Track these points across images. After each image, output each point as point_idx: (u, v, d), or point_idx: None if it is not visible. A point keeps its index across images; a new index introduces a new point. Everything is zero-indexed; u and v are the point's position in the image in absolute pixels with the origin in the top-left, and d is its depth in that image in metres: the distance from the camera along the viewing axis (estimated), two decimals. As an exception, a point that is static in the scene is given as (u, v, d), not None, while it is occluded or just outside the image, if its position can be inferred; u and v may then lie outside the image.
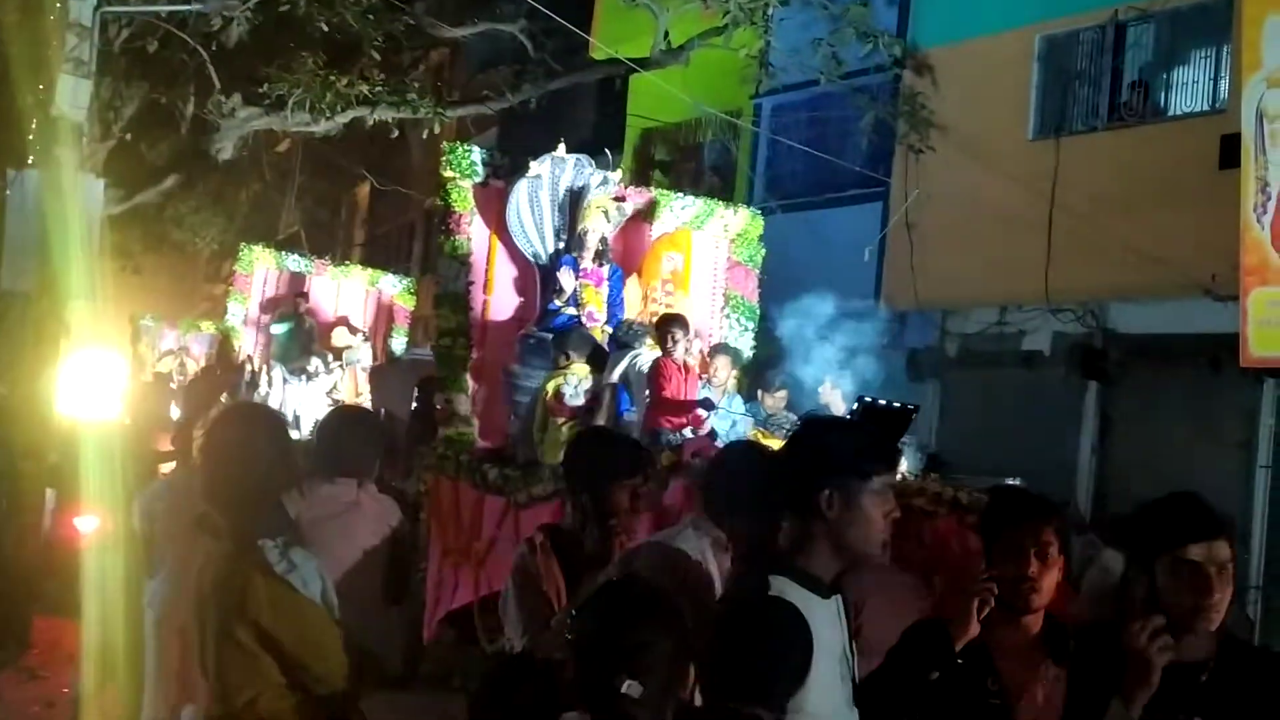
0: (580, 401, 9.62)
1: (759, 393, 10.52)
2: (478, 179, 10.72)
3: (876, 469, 3.39)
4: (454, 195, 10.62)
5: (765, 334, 12.13)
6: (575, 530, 4.40)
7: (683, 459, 7.52)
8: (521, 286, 10.97)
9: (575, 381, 9.70)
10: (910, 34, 16.59)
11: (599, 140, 21.71)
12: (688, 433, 9.07)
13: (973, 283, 15.66)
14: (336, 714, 3.83)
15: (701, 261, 11.50)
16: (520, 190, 10.73)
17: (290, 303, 17.05)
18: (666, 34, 16.33)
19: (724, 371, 9.95)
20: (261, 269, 17.56)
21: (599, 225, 10.65)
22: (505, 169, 10.87)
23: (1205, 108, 13.99)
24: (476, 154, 10.85)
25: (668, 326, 9.46)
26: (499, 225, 10.86)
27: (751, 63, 15.63)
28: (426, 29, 16.55)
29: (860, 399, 8.99)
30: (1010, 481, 8.41)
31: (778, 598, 3.23)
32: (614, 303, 10.63)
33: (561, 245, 10.78)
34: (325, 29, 15.09)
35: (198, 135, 17.26)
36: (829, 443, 3.47)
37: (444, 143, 11.31)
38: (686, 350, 9.45)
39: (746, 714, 3.05)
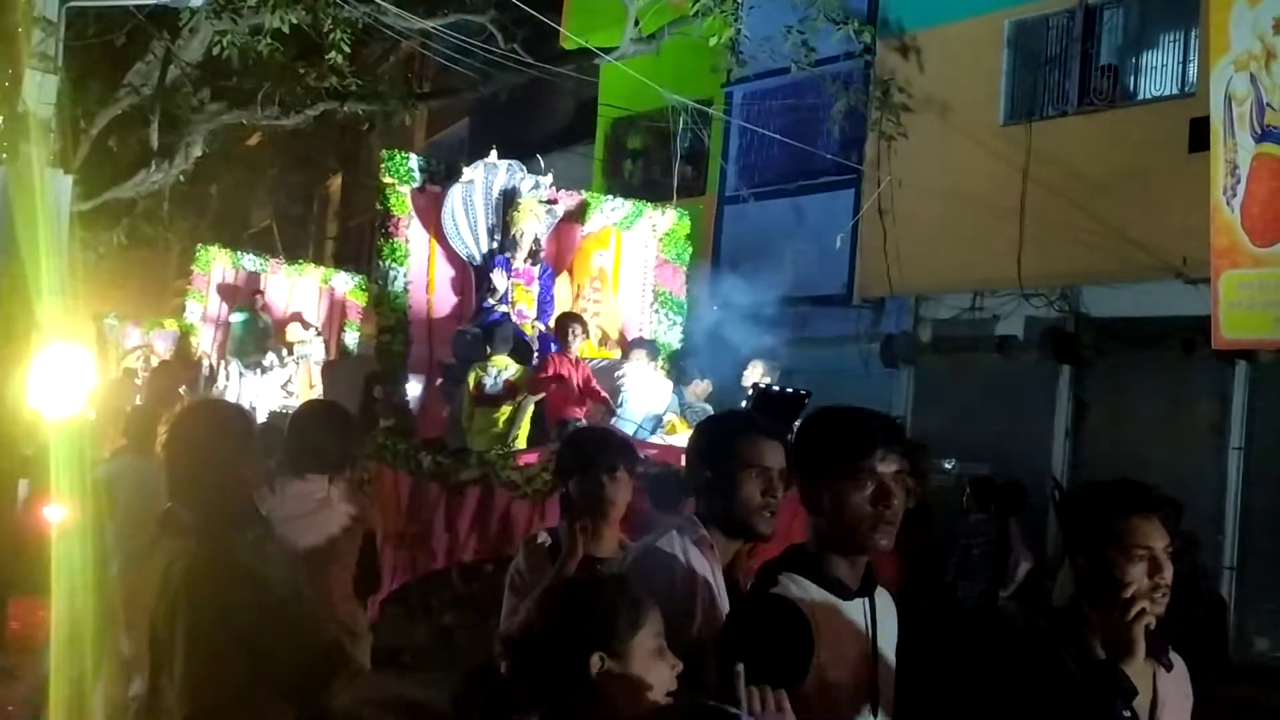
0: (499, 391, 10.27)
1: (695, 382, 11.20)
2: (415, 184, 11.32)
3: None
4: (392, 200, 11.19)
5: (753, 322, 12.50)
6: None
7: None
8: (459, 286, 11.54)
9: (495, 373, 10.35)
10: (881, 19, 16.60)
11: (570, 130, 21.74)
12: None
13: (946, 268, 15.69)
14: (308, 709, 3.81)
15: (631, 259, 12.08)
16: (454, 195, 11.34)
17: (248, 298, 17.60)
18: (637, 23, 16.29)
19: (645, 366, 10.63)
20: (218, 268, 18.10)
21: (530, 227, 11.30)
22: (441, 174, 11.51)
23: (1174, 91, 14.03)
24: (414, 160, 11.52)
25: (567, 324, 10.32)
26: (436, 228, 11.44)
27: (722, 51, 15.60)
28: (393, 22, 16.47)
29: (755, 386, 10.02)
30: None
31: (778, 595, 3.21)
32: (544, 300, 11.30)
33: (495, 246, 11.38)
34: (294, 22, 15.00)
35: (165, 131, 17.16)
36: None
37: (382, 150, 11.93)
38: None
39: (726, 712, 3.02)
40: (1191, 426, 13.34)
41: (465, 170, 11.51)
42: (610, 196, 12.72)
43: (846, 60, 16.21)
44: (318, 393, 14.73)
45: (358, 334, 17.95)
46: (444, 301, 11.60)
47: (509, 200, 11.45)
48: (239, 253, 18.96)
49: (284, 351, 16.38)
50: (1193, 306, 12.65)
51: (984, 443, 14.53)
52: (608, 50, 16.53)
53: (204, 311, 17.97)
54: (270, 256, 19.25)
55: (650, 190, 19.91)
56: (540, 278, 11.40)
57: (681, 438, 9.25)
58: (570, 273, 11.95)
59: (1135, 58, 14.76)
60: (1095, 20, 14.86)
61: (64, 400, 8.14)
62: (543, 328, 11.15)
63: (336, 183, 34.63)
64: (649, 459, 8.17)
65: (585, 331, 10.47)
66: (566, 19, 19.36)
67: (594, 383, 10.18)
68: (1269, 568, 12.53)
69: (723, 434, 3.68)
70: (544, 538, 4.34)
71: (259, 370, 16.16)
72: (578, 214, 12.01)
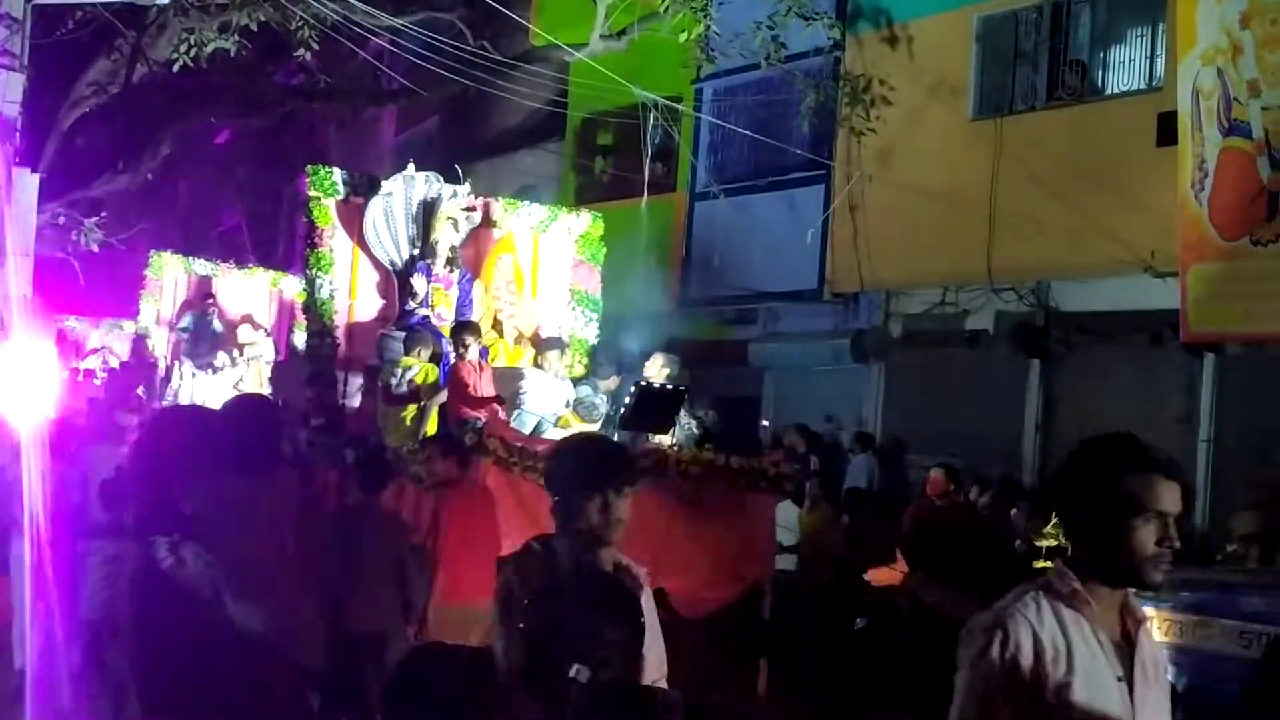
0: (404, 390, 11.06)
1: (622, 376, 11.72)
2: (339, 197, 12.31)
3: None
4: (316, 212, 12.21)
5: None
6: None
7: (483, 438, 9.15)
8: (383, 290, 12.43)
9: (400, 374, 11.14)
10: (850, 15, 16.62)
11: (540, 127, 21.69)
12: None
13: (916, 263, 15.73)
14: (245, 710, 3.79)
15: (549, 261, 12.95)
16: (375, 207, 12.25)
17: (200, 304, 18.26)
18: (607, 19, 16.26)
19: (555, 362, 11.39)
20: (172, 273, 18.76)
21: (449, 235, 12.17)
22: (363, 187, 12.46)
23: (1142, 86, 14.10)
24: (337, 174, 12.53)
25: (460, 334, 10.92)
26: (360, 237, 12.37)
27: (692, 47, 15.58)
28: (361, 20, 16.40)
29: (637, 383, 10.64)
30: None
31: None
32: (462, 303, 12.13)
33: (416, 253, 12.25)
34: (262, 20, 14.93)
35: (133, 130, 17.07)
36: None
37: (308, 165, 12.98)
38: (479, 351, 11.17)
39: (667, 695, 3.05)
40: (1161, 419, 13.40)
41: (384, 183, 12.39)
42: (526, 202, 13.65)
43: (816, 56, 16.21)
44: (268, 392, 15.15)
45: (305, 335, 18.12)
46: (368, 306, 12.45)
47: (429, 210, 12.22)
48: (191, 258, 19.51)
49: (235, 352, 16.92)
50: (1161, 300, 12.71)
51: (955, 436, 14.58)
52: (577, 47, 16.49)
53: (158, 314, 18.52)
54: (223, 260, 19.92)
55: (620, 187, 19.93)
56: (459, 282, 12.18)
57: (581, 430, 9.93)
58: (486, 276, 12.65)
59: (1103, 52, 14.82)
60: (1063, 15, 14.91)
61: (30, 402, 8.07)
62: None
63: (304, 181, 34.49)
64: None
65: (479, 339, 11.18)
66: (536, 15, 19.30)
67: (491, 386, 10.82)
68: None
69: (1109, 469, 3.20)
70: (537, 547, 4.25)
71: (211, 370, 16.64)
72: (494, 220, 12.77)
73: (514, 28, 16.73)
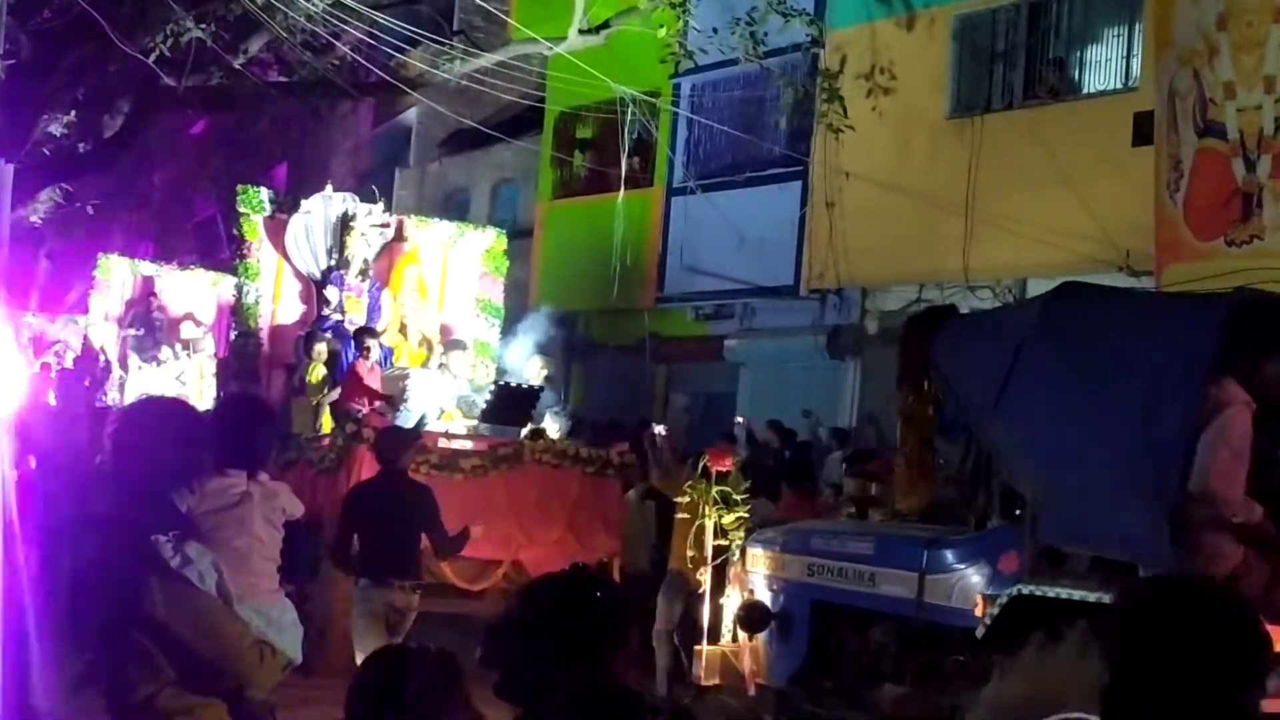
0: (296, 385, 12.86)
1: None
2: (266, 213, 13.98)
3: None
4: (245, 227, 13.95)
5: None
6: None
7: (360, 428, 10.81)
8: (304, 297, 14.02)
9: (300, 370, 12.96)
10: (828, 12, 16.63)
11: (518, 121, 21.65)
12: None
13: (893, 260, 15.76)
14: (238, 707, 3.80)
15: (457, 273, 14.52)
16: (295, 223, 13.86)
17: (144, 302, 19.37)
18: (585, 13, 16.24)
19: (457, 364, 13.09)
20: (119, 274, 19.81)
21: (361, 249, 13.77)
22: (288, 205, 14.18)
23: (1119, 85, 14.15)
24: (264, 193, 14.36)
25: (361, 337, 12.56)
26: (284, 249, 13.94)
27: (671, 42, 15.58)
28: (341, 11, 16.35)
29: (495, 381, 12.35)
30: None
31: None
32: (372, 310, 13.74)
33: (333, 264, 13.81)
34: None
35: (98, 114, 17.03)
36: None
37: (237, 185, 14.76)
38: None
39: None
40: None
41: (304, 203, 14.04)
42: (435, 219, 15.67)
43: (794, 53, 16.23)
44: (209, 385, 16.59)
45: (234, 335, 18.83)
46: (290, 311, 14.08)
47: (345, 225, 13.79)
48: (135, 260, 20.77)
49: (178, 347, 18.24)
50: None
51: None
52: (555, 41, 16.48)
53: (105, 312, 19.59)
54: (166, 261, 21.54)
55: (598, 182, 19.93)
56: (369, 290, 13.76)
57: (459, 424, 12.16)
58: (395, 285, 14.19)
59: (1080, 52, 14.87)
60: (1041, 14, 14.96)
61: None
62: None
63: (283, 173, 34.38)
64: (435, 446, 10.87)
65: (378, 341, 12.82)
66: (515, 9, 19.29)
67: (378, 384, 12.42)
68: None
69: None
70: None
71: (156, 364, 17.99)
72: (405, 235, 14.39)
73: (493, 21, 16.71)
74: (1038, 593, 6.00)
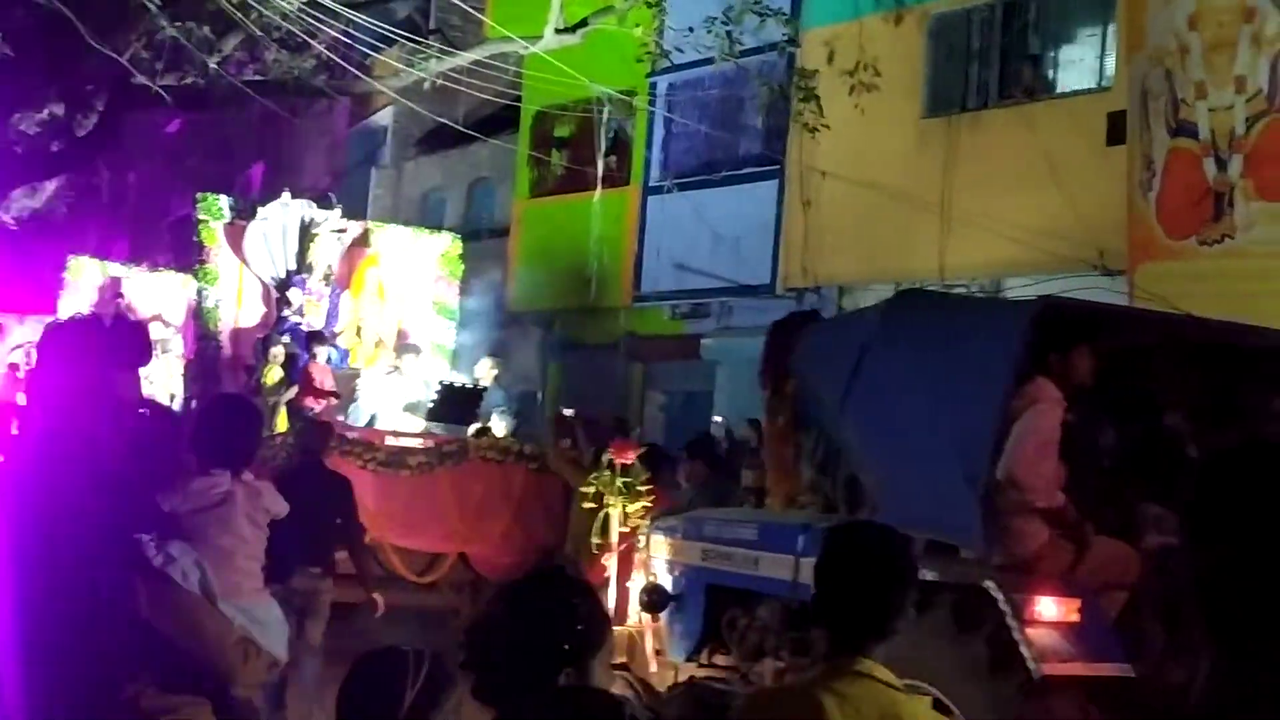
0: (254, 387, 13.32)
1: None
2: (226, 220, 14.51)
3: None
4: (204, 234, 14.46)
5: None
6: None
7: (326, 425, 10.76)
8: (265, 300, 14.46)
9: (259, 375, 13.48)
10: (804, 11, 16.65)
11: (495, 120, 21.62)
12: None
13: (869, 259, 15.79)
14: (223, 706, 3.79)
15: (413, 276, 14.98)
16: (254, 230, 14.36)
17: (113, 303, 19.14)
18: (561, 12, 16.22)
19: (409, 366, 13.57)
20: (88, 275, 20.01)
21: (321, 254, 14.22)
22: (248, 211, 14.66)
23: (1093, 85, 14.21)
24: (224, 200, 14.83)
25: (310, 342, 13.23)
26: (243, 255, 14.46)
27: (647, 41, 15.58)
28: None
29: (440, 381, 12.84)
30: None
31: None
32: (331, 313, 14.28)
33: (293, 268, 14.21)
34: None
35: (72, 113, 16.96)
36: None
37: (196, 193, 15.28)
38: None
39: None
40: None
41: (261, 210, 14.56)
42: (394, 224, 16.43)
43: (770, 52, 16.23)
44: (178, 384, 16.95)
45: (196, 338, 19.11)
46: (251, 314, 14.56)
47: (305, 231, 14.25)
48: (105, 261, 21.02)
49: None
50: (1110, 298, 12.77)
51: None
52: (531, 40, 16.46)
53: (74, 312, 19.41)
54: (136, 263, 21.75)
55: (575, 180, 19.92)
56: (329, 294, 14.29)
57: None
58: (354, 289, 14.72)
59: (1055, 52, 14.93)
60: (1015, 14, 15.00)
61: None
62: (328, 335, 14.00)
63: (258, 172, 34.28)
64: (382, 444, 11.57)
65: (325, 344, 13.41)
66: (491, 8, 19.25)
67: (328, 385, 13.04)
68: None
69: None
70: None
71: None
72: (364, 239, 14.90)
73: (469, 19, 16.68)
74: None
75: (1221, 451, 2.30)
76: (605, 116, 17.32)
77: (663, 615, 8.34)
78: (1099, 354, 6.55)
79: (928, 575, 6.11)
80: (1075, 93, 14.45)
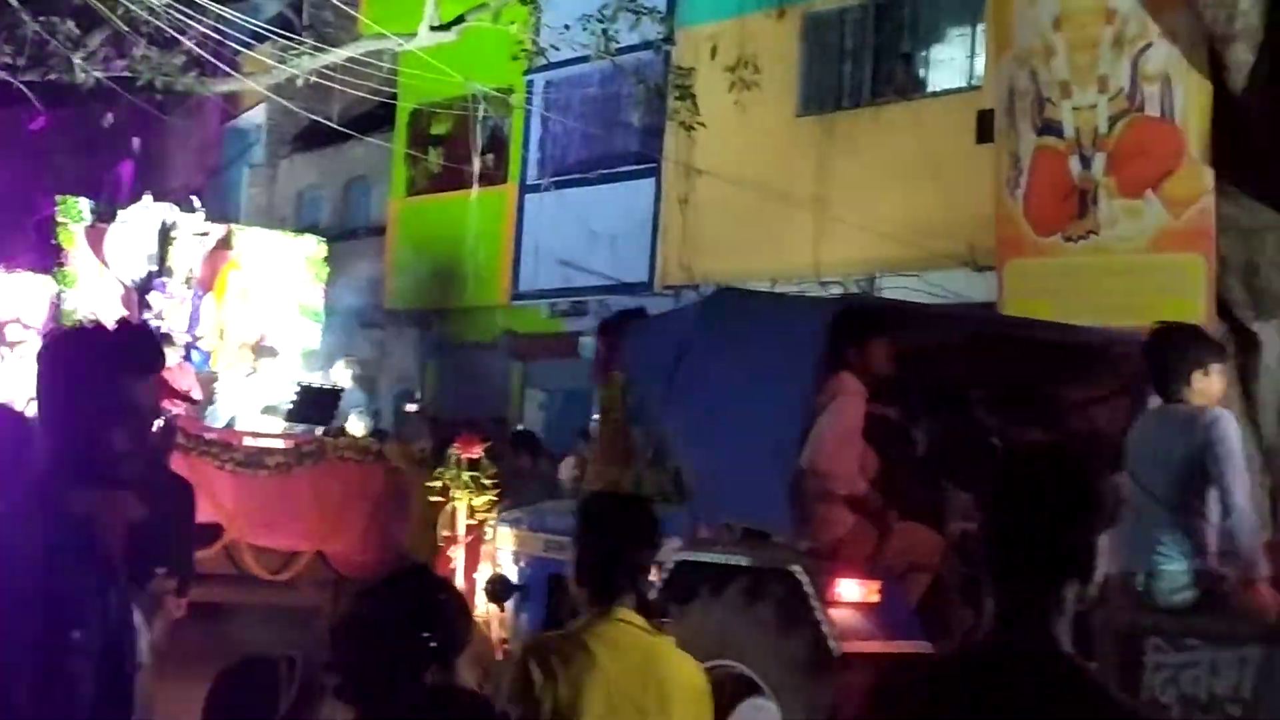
0: None
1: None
2: (86, 223, 14.53)
3: None
4: (63, 236, 14.54)
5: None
6: None
7: (171, 429, 11.31)
8: (126, 304, 14.31)
9: None
10: (680, 9, 16.71)
11: (371, 117, 21.42)
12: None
13: (745, 257, 15.87)
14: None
15: (279, 279, 15.09)
16: (114, 232, 14.42)
17: None
18: (436, 9, 16.11)
19: (268, 369, 13.79)
20: None
21: (184, 257, 14.35)
22: (108, 214, 14.71)
23: (963, 84, 14.45)
24: (84, 203, 14.87)
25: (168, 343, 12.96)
26: (104, 258, 14.47)
27: (523, 39, 15.54)
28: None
29: (299, 383, 13.12)
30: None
31: None
32: (193, 316, 14.32)
33: (154, 270, 14.30)
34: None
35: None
36: None
37: (56, 196, 15.33)
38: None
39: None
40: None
41: (121, 213, 14.66)
42: (261, 226, 16.55)
43: (646, 50, 16.28)
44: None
45: None
46: (111, 318, 13.80)
47: (166, 234, 14.30)
48: None
49: (5, 349, 18.13)
50: (982, 293, 13.02)
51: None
52: (406, 37, 16.32)
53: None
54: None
55: (452, 179, 19.80)
56: (191, 298, 14.34)
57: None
58: (217, 292, 14.69)
59: (926, 51, 15.16)
60: (888, 14, 15.20)
61: None
62: (189, 338, 14.10)
63: (128, 169, 33.55)
64: (240, 445, 11.83)
65: (174, 346, 13.14)
66: (364, 4, 19.07)
67: (183, 387, 13.02)
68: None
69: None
70: None
71: None
72: (226, 241, 14.92)
73: (344, 16, 16.50)
74: (697, 559, 6.97)
75: (1022, 448, 2.77)
76: (481, 114, 17.21)
77: (508, 605, 8.59)
78: (911, 350, 6.99)
79: (741, 560, 6.79)
80: (946, 92, 14.68)
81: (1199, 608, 5.53)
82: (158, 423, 11.92)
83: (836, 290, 15.23)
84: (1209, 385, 5.72)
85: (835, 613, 6.25)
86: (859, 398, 6.68)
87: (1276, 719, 5.21)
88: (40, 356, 2.90)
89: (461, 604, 3.30)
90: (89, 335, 2.96)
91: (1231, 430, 5.59)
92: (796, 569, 6.42)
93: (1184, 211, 9.77)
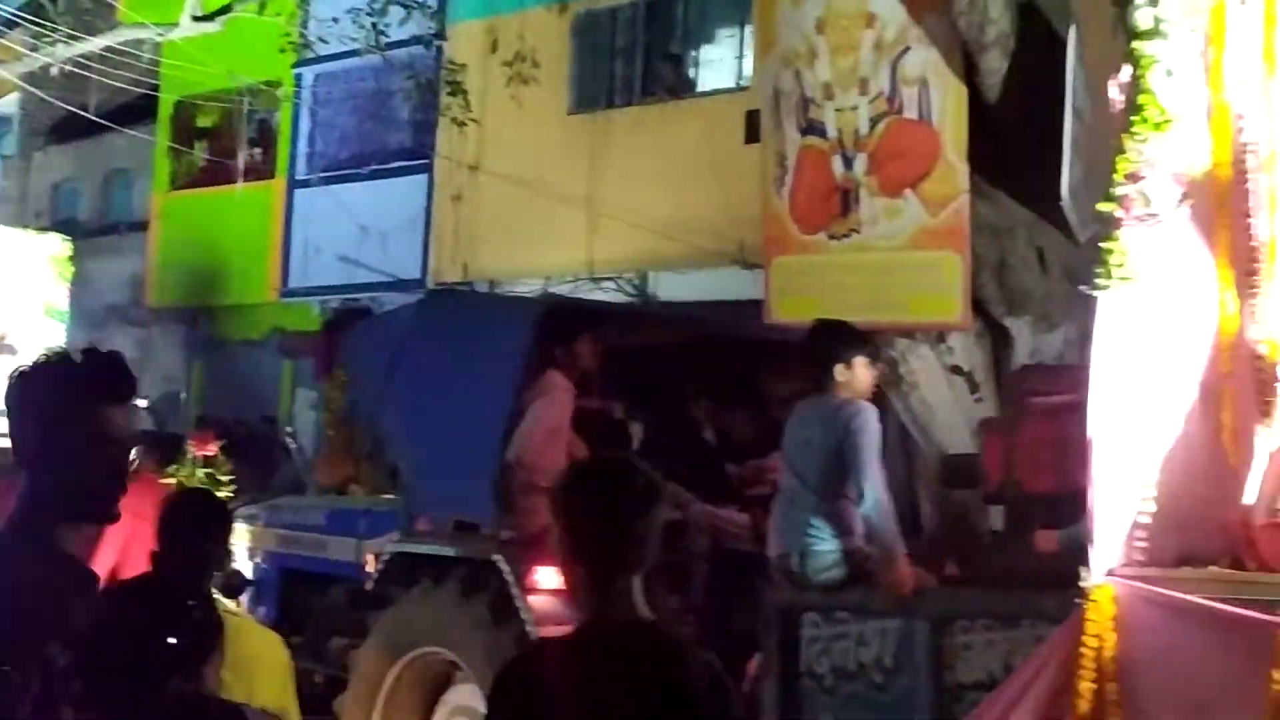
0: None
1: None
2: None
3: None
4: None
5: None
6: None
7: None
8: None
9: None
10: (453, 4, 16.60)
11: (132, 109, 20.72)
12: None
13: (519, 254, 15.87)
14: None
15: (20, 278, 14.97)
16: None
17: None
18: (199, -2, 15.68)
19: (6, 367, 14.23)
20: None
21: None
22: None
23: (732, 85, 14.68)
24: None
25: None
26: None
27: (290, 30, 15.22)
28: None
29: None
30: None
31: None
32: None
33: None
34: None
35: None
36: None
37: None
38: None
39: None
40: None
41: None
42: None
43: (417, 45, 16.12)
44: None
45: None
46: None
47: None
48: None
49: None
50: (751, 290, 13.23)
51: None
52: (168, 27, 15.83)
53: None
54: None
55: (218, 173, 19.30)
56: None
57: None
58: None
59: (696, 51, 15.35)
60: (657, 14, 15.34)
61: None
62: None
63: None
64: None
65: None
66: (124, -9, 18.42)
67: None
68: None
69: None
70: None
71: None
72: None
73: (103, 3, 15.93)
74: (411, 550, 7.40)
75: (587, 460, 3.53)
76: (248, 108, 16.80)
77: (243, 599, 8.63)
78: (629, 348, 7.44)
79: (448, 551, 7.21)
80: (716, 92, 14.89)
81: (847, 584, 6.03)
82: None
83: (610, 286, 15.36)
84: (852, 378, 6.20)
85: (534, 599, 6.56)
86: (565, 394, 7.02)
87: (913, 684, 5.69)
88: (11, 389, 2.85)
89: (210, 609, 3.21)
90: (58, 366, 2.89)
91: (870, 422, 6.07)
92: (498, 558, 6.75)
93: (941, 211, 10.05)
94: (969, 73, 9.78)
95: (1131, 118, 5.10)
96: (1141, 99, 5.09)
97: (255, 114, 17.66)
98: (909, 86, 10.36)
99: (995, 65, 9.52)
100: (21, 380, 2.91)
